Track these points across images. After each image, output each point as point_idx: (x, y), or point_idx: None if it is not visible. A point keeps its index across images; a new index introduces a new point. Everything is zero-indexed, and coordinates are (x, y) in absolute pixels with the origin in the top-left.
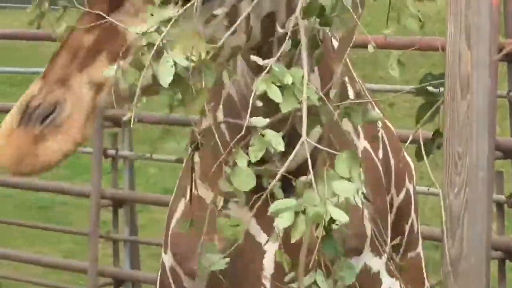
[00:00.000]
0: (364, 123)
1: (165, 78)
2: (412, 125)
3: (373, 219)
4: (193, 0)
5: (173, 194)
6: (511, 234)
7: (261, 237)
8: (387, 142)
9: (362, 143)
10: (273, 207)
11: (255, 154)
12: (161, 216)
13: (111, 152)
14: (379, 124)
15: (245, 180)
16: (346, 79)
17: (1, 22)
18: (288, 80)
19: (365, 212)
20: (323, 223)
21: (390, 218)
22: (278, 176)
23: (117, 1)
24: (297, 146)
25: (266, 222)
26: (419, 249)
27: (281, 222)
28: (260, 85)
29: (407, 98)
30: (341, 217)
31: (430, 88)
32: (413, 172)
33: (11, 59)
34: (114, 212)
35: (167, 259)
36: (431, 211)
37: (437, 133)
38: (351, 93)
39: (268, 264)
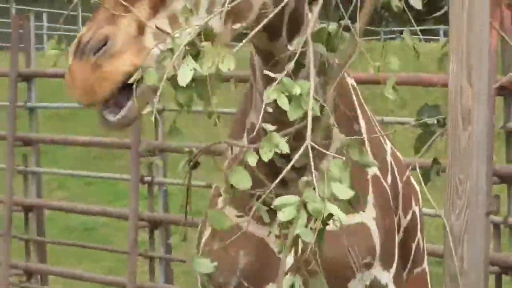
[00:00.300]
0: (374, 152)
1: (184, 79)
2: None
3: (382, 237)
4: (220, 9)
5: (203, 217)
6: (507, 251)
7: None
8: (395, 169)
9: (373, 169)
10: (276, 202)
11: (266, 155)
12: (192, 236)
13: (147, 178)
14: (388, 152)
15: (241, 179)
16: (359, 111)
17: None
18: (297, 90)
19: (376, 231)
20: (321, 218)
21: (398, 238)
22: (283, 173)
23: None
24: (301, 149)
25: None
26: (425, 265)
27: (283, 216)
28: (271, 93)
29: (413, 129)
30: (340, 214)
31: (428, 120)
32: (419, 196)
33: (59, 96)
34: (150, 233)
35: None
36: (436, 231)
37: (436, 161)
38: (363, 124)
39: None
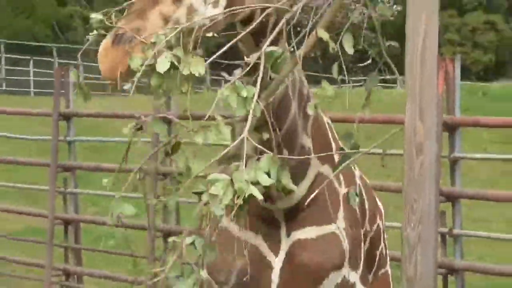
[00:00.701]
0: (344, 177)
1: (162, 67)
2: (381, 178)
3: (350, 244)
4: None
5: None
6: (451, 256)
7: (271, 257)
8: (363, 190)
9: (343, 190)
10: (210, 177)
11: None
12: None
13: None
14: (357, 176)
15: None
16: (333, 144)
17: (85, 105)
18: (244, 93)
19: (345, 239)
20: (244, 196)
21: (365, 246)
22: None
23: None
24: (237, 141)
25: (274, 245)
26: (387, 267)
27: (215, 190)
28: (224, 91)
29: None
30: (258, 194)
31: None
32: (382, 212)
33: (92, 132)
34: (164, 241)
35: (203, 272)
36: (395, 240)
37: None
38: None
39: (275, 277)
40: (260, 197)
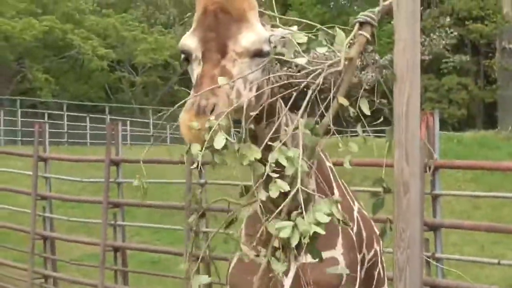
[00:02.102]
0: (344, 210)
1: (219, 144)
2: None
3: (347, 267)
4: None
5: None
6: (434, 276)
7: (283, 278)
8: (360, 222)
9: None
10: (277, 225)
11: (273, 193)
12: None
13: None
14: (355, 210)
15: None
16: (334, 184)
17: (131, 153)
18: (290, 154)
19: (343, 262)
20: (308, 235)
21: (362, 268)
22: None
23: (224, 51)
24: (293, 191)
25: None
26: (385, 286)
27: (283, 233)
28: (274, 154)
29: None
30: (320, 231)
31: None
32: (380, 238)
33: (138, 174)
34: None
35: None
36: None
37: (389, 220)
38: (336, 192)
39: None
40: (323, 233)
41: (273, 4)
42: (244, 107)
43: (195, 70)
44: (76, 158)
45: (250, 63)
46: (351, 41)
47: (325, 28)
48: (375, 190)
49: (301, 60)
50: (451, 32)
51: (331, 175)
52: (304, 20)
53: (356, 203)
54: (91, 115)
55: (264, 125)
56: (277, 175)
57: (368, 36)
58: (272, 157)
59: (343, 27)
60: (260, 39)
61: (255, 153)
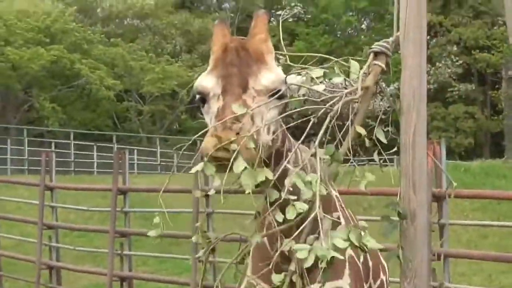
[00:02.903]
0: None
1: (239, 168)
2: (382, 240)
3: None
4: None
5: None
6: None
7: None
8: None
9: (349, 251)
10: (295, 247)
11: (291, 215)
12: None
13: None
14: None
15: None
16: (340, 213)
17: (138, 181)
18: (308, 179)
19: None
20: (327, 260)
21: None
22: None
23: (245, 87)
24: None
25: None
26: None
27: (300, 254)
28: (291, 179)
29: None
30: (338, 255)
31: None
32: (386, 268)
33: (145, 203)
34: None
35: None
36: None
37: (398, 246)
38: (342, 221)
39: None
40: (341, 257)
41: (281, 40)
42: (262, 141)
43: (214, 106)
44: (83, 187)
45: (268, 103)
46: (365, 71)
47: (340, 61)
48: (386, 215)
49: (319, 87)
50: (457, 61)
51: (337, 204)
52: (315, 54)
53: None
54: (98, 144)
55: (272, 168)
56: (295, 197)
57: (383, 65)
58: (289, 181)
59: (355, 58)
60: (279, 79)
61: (267, 173)
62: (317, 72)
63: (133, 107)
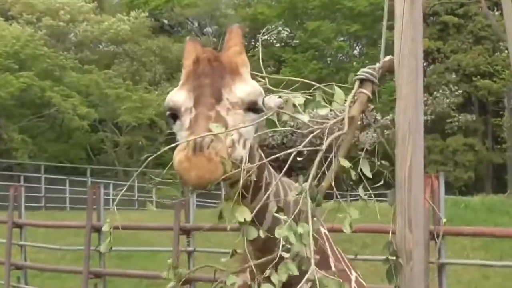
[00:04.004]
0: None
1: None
2: (376, 281)
3: None
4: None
5: None
6: None
7: None
8: None
9: None
10: None
11: (282, 276)
12: None
13: None
14: (353, 279)
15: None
16: (329, 251)
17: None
18: (300, 230)
19: None
20: None
21: None
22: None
23: (218, 97)
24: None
25: None
26: None
27: None
28: (282, 232)
29: (371, 263)
30: None
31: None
32: None
33: (121, 241)
34: None
35: None
36: None
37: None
38: (331, 260)
39: None
40: None
41: (261, 64)
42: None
43: (186, 120)
44: (54, 224)
45: (244, 116)
46: (352, 100)
47: (322, 87)
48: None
49: (304, 118)
50: (456, 90)
51: (326, 242)
52: (300, 79)
53: (353, 272)
54: (71, 178)
55: (249, 200)
56: (288, 254)
57: (369, 94)
58: (279, 233)
59: (341, 84)
60: (255, 92)
61: (245, 213)
62: (298, 97)
63: (108, 138)
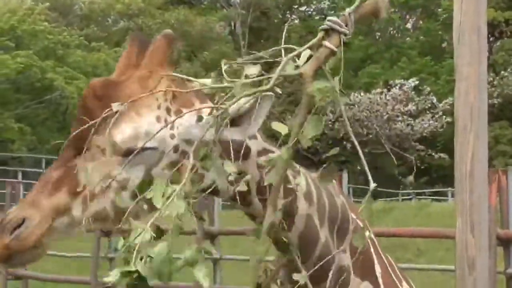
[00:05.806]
0: None
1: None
2: None
3: None
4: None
5: None
6: None
7: None
8: None
9: None
10: None
11: None
12: None
13: None
14: None
15: None
16: (375, 259)
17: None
18: None
19: None
20: None
21: None
22: None
23: (82, 147)
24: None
25: None
26: None
27: None
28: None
29: (427, 273)
30: None
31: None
32: None
33: None
34: None
35: None
36: None
37: None
38: (378, 269)
39: None
40: None
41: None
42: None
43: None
44: None
45: (122, 161)
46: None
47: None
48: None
49: (254, 69)
50: None
51: (371, 247)
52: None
53: (404, 283)
54: None
55: (258, 206)
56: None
57: (333, 47)
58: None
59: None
60: (137, 135)
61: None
62: (252, 69)
63: None
